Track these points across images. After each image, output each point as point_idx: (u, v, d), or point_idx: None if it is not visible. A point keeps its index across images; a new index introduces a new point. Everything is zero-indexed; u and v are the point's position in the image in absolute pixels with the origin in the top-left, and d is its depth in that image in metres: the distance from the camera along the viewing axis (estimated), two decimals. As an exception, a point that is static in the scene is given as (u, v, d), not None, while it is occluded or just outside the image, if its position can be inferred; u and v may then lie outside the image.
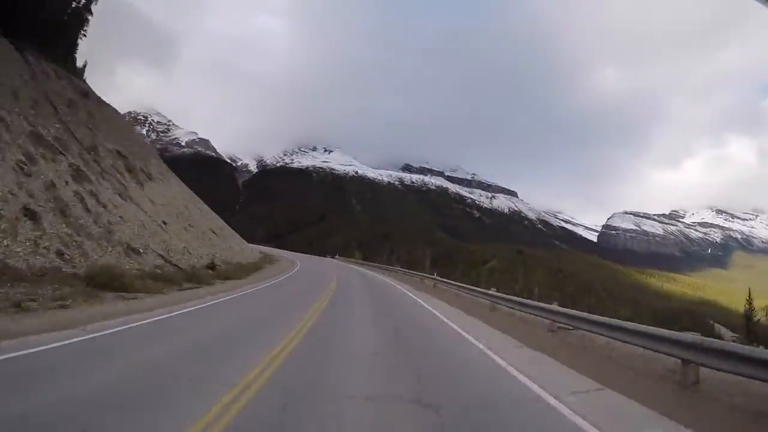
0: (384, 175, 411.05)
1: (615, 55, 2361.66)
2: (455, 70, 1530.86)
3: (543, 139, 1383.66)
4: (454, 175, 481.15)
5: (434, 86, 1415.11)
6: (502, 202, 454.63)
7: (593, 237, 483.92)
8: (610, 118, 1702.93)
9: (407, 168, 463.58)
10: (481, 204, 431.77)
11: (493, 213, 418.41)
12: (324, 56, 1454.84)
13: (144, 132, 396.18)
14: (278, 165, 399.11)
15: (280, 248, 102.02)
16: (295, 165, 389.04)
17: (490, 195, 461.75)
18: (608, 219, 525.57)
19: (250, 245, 57.50)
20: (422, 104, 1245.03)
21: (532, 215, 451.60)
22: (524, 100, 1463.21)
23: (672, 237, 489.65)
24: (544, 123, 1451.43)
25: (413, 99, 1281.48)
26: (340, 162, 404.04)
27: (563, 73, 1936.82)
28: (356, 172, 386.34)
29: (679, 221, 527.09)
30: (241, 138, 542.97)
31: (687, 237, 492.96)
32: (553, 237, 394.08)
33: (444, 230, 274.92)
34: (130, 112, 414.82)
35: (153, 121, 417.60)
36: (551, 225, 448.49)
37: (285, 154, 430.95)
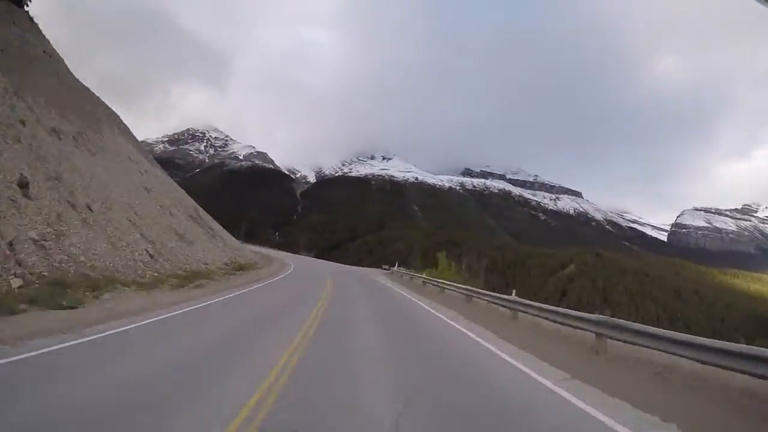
0: (444, 181, 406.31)
1: (675, 41, 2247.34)
2: (513, 70, 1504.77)
3: (604, 136, 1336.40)
4: (516, 178, 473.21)
5: (492, 87, 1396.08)
6: (566, 204, 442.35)
7: (662, 236, 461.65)
8: (673, 111, 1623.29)
9: (468, 172, 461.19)
10: (546, 206, 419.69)
11: (558, 215, 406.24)
12: (379, 63, 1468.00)
13: (202, 147, 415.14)
14: (336, 175, 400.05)
15: (324, 258, 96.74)
16: (353, 174, 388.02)
17: (554, 196, 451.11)
18: (677, 217, 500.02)
19: (277, 252, 56.10)
20: (481, 106, 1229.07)
21: (598, 216, 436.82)
22: (583, 96, 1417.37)
23: (746, 233, 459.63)
24: (605, 119, 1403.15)
25: (471, 101, 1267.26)
26: (399, 169, 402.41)
27: (622, 65, 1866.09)
28: (416, 179, 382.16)
29: (752, 216, 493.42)
30: (299, 150, 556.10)
31: (762, 233, 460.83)
32: (622, 238, 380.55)
33: (510, 234, 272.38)
34: (188, 129, 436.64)
35: (211, 137, 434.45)
36: (619, 225, 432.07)
37: (343, 164, 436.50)
